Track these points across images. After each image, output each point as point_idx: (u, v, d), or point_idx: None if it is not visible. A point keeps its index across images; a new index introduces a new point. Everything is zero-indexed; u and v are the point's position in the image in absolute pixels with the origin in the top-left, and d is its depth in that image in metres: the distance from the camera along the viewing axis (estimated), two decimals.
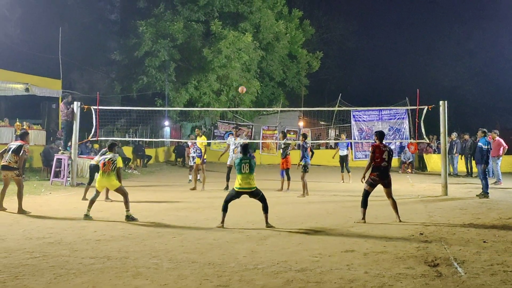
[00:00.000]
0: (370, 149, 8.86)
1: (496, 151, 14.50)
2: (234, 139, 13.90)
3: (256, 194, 7.96)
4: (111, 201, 10.59)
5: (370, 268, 5.37)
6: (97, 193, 8.71)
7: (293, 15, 30.74)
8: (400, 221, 8.20)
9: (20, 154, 9.19)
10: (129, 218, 8.31)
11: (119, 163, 8.76)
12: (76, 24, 27.20)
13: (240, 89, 17.19)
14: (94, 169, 10.77)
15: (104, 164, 8.63)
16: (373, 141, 8.76)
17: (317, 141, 17.80)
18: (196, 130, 14.40)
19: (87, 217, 8.34)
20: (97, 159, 9.57)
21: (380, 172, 8.26)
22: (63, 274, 5.09)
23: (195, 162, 13.68)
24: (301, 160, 12.16)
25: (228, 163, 13.52)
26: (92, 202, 8.55)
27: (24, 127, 16.72)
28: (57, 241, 6.63)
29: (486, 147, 12.08)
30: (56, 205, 10.02)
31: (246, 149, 8.22)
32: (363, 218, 8.22)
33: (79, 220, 8.24)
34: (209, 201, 10.91)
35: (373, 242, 6.65)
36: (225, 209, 7.85)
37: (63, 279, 4.94)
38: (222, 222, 7.77)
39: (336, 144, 16.24)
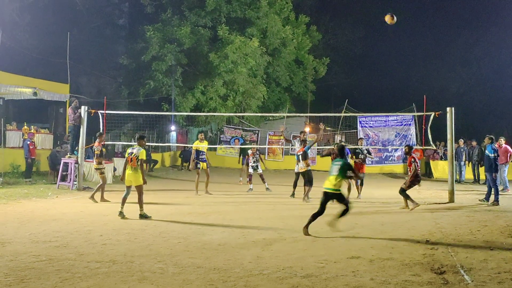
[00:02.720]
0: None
1: (504, 158, 14.39)
2: (299, 144, 12.68)
3: (336, 198, 7.65)
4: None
5: (376, 275, 5.34)
6: (128, 189, 9.12)
7: (300, 21, 30.77)
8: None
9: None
10: (143, 217, 8.84)
11: (141, 155, 9.03)
12: (85, 29, 27.42)
13: (388, 18, 13.00)
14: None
15: (131, 160, 9.00)
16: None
17: (324, 147, 17.93)
18: (200, 134, 14.15)
19: (120, 214, 8.87)
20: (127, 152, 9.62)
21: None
22: (69, 278, 5.11)
23: (254, 171, 14.18)
24: None
25: (296, 170, 12.63)
26: (124, 200, 8.98)
27: (32, 131, 16.87)
28: (63, 244, 6.66)
29: (493, 155, 11.97)
30: (62, 209, 10.07)
31: (342, 152, 8.20)
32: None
33: (85, 224, 8.28)
34: (215, 206, 10.92)
35: (379, 249, 6.62)
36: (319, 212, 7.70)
37: (69, 283, 4.95)
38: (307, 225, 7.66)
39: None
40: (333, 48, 38.47)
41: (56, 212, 9.66)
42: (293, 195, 12.66)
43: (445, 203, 11.96)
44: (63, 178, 14.13)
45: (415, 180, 10.84)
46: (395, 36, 40.53)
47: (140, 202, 9.03)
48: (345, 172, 7.67)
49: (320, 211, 7.61)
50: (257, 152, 14.56)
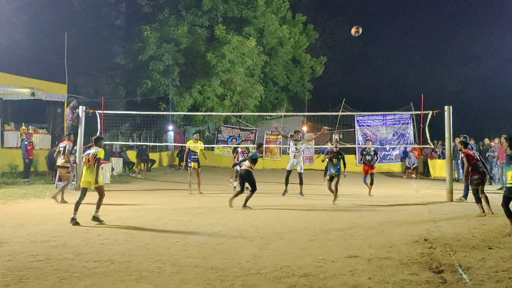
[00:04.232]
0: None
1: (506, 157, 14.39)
2: (295, 144, 13.25)
3: None
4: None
5: (374, 274, 5.34)
6: (83, 192, 8.58)
7: (297, 20, 30.74)
8: (492, 213, 9.31)
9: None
10: (96, 219, 8.34)
11: (99, 154, 8.69)
12: (82, 29, 27.38)
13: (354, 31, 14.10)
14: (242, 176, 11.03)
15: (88, 160, 8.66)
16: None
17: (321, 146, 18.05)
18: (195, 134, 14.15)
19: (73, 220, 8.19)
20: (84, 154, 9.14)
21: (479, 172, 9.70)
22: (67, 278, 5.10)
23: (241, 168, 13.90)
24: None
25: (288, 168, 13.20)
26: (78, 204, 8.39)
27: (30, 131, 16.83)
28: (61, 244, 6.65)
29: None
30: (60, 209, 10.05)
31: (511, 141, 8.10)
32: (483, 211, 9.46)
33: (83, 223, 8.25)
34: (212, 206, 10.91)
35: (377, 248, 6.62)
36: (509, 215, 7.78)
37: (67, 283, 4.95)
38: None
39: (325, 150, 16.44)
40: (330, 47, 38.49)
41: (54, 212, 9.64)
42: (285, 191, 12.89)
43: (443, 202, 11.98)
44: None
45: (474, 177, 9.78)
46: (392, 34, 40.60)
47: (99, 204, 8.50)
48: None
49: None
50: (246, 151, 14.55)
